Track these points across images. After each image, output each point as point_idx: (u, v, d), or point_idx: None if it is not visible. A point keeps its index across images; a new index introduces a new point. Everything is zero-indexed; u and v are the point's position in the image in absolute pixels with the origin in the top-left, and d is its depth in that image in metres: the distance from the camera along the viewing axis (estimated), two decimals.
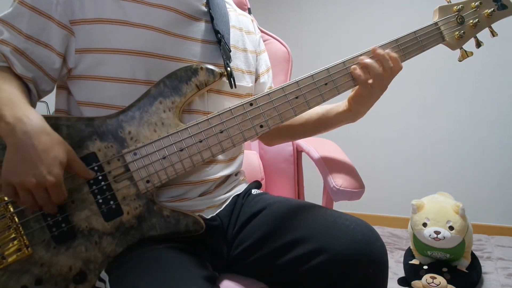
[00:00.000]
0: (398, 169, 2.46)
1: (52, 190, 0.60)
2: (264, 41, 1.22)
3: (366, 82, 0.75)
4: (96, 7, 0.69)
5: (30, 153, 0.59)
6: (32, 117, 0.62)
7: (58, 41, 0.69)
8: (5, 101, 0.63)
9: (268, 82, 0.96)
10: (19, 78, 0.69)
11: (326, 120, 0.87)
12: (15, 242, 0.63)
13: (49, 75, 0.71)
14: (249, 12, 1.18)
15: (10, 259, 0.63)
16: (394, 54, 0.77)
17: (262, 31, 1.22)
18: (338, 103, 0.86)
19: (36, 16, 0.68)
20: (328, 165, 1.00)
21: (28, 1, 0.68)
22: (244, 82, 0.84)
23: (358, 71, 0.75)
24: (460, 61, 0.85)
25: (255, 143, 1.27)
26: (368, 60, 0.75)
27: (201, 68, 0.71)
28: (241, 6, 1.14)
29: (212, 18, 0.78)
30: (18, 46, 0.68)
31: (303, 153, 1.19)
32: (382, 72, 0.75)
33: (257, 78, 0.92)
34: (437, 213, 1.63)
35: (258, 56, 0.93)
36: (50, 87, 0.74)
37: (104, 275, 0.66)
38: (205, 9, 0.79)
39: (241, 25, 0.88)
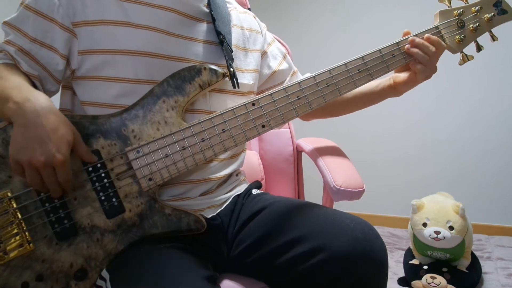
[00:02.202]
0: (398, 169, 2.47)
1: (59, 169, 0.61)
2: None
3: (418, 64, 0.81)
4: (98, 8, 0.70)
5: (39, 131, 0.60)
6: (40, 97, 0.63)
7: (62, 43, 0.70)
8: (13, 85, 0.64)
9: (291, 67, 0.99)
10: (25, 75, 0.70)
11: (372, 97, 0.94)
12: (17, 237, 0.63)
13: (53, 76, 0.72)
14: None
15: (11, 255, 0.63)
16: (433, 37, 0.82)
17: None
18: (380, 81, 0.91)
19: (40, 19, 0.69)
20: (328, 165, 1.01)
21: (33, 5, 0.69)
22: (245, 80, 0.85)
23: (415, 50, 0.80)
24: (460, 64, 0.86)
25: (255, 143, 1.28)
26: (415, 47, 0.81)
27: (205, 68, 0.72)
28: (241, 6, 1.15)
29: (213, 19, 0.79)
30: (23, 46, 0.69)
31: (303, 153, 1.20)
32: (428, 58, 0.81)
33: (275, 72, 0.94)
34: (437, 213, 1.63)
35: (267, 51, 0.94)
36: (55, 88, 0.75)
37: (105, 273, 0.66)
38: (206, 10, 0.80)
39: (242, 23, 0.89)
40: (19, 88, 0.64)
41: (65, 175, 0.62)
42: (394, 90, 0.89)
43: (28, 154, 0.59)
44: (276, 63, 0.94)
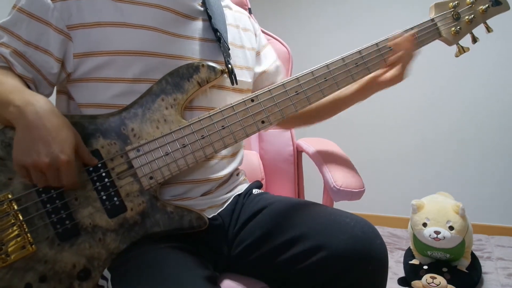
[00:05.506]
0: (398, 169, 2.46)
1: (64, 170, 0.61)
2: None
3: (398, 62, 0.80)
4: (94, 10, 0.70)
5: (42, 133, 0.60)
6: (40, 99, 0.63)
7: (56, 46, 0.70)
8: (11, 88, 0.64)
9: (282, 72, 0.98)
10: (20, 78, 0.70)
11: (339, 102, 0.91)
12: (19, 239, 0.63)
13: (47, 79, 0.72)
14: (250, 12, 1.19)
15: (14, 257, 0.63)
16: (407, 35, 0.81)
17: (262, 31, 1.23)
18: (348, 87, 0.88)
19: (34, 22, 0.69)
20: (328, 165, 1.01)
21: (26, 7, 0.69)
22: (244, 77, 0.85)
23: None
24: (456, 56, 0.87)
25: (255, 143, 1.28)
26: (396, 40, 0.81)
27: (203, 65, 0.72)
28: (241, 6, 1.15)
29: (209, 17, 0.79)
30: (18, 49, 0.69)
31: (303, 153, 1.20)
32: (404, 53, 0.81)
33: (264, 72, 0.94)
34: (437, 213, 1.63)
35: (261, 52, 0.94)
36: (48, 91, 0.74)
37: (106, 273, 0.66)
38: (201, 8, 0.81)
39: (237, 22, 0.89)
40: (18, 91, 0.64)
41: (70, 175, 0.62)
42: (362, 92, 0.87)
43: (32, 157, 0.59)
44: (267, 63, 0.94)
